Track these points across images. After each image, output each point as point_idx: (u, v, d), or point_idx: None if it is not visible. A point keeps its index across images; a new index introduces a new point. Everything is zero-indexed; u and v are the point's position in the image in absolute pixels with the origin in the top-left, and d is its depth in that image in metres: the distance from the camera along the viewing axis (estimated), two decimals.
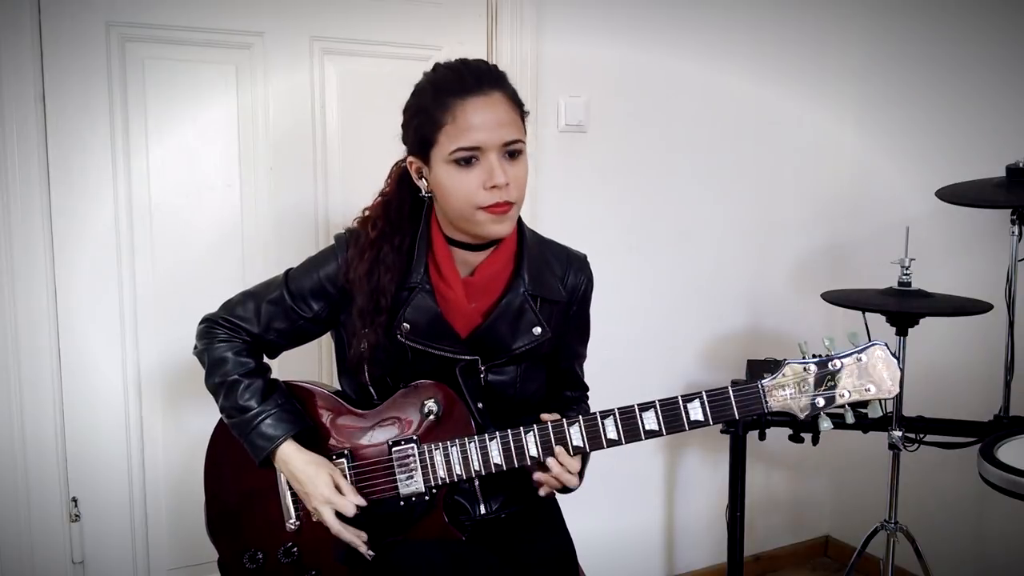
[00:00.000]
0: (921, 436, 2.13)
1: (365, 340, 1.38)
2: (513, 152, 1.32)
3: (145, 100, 1.85)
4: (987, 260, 2.27)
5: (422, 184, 1.38)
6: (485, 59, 1.42)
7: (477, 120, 1.28)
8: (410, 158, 1.38)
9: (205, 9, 1.86)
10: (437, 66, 1.37)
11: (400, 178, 1.44)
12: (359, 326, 1.39)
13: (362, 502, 1.36)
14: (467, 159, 1.29)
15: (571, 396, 1.59)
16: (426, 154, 1.33)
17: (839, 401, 1.27)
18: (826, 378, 1.27)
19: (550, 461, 1.34)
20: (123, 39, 1.82)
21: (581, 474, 1.41)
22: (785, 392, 1.28)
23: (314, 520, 1.40)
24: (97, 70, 1.79)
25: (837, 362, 1.27)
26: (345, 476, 1.39)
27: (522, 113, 1.36)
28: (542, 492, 1.37)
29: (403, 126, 1.39)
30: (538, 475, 1.36)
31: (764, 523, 2.76)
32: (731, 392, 1.28)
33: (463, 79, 1.31)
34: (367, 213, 1.45)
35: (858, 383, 1.26)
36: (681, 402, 1.30)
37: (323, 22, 1.97)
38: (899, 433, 2.09)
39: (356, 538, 1.36)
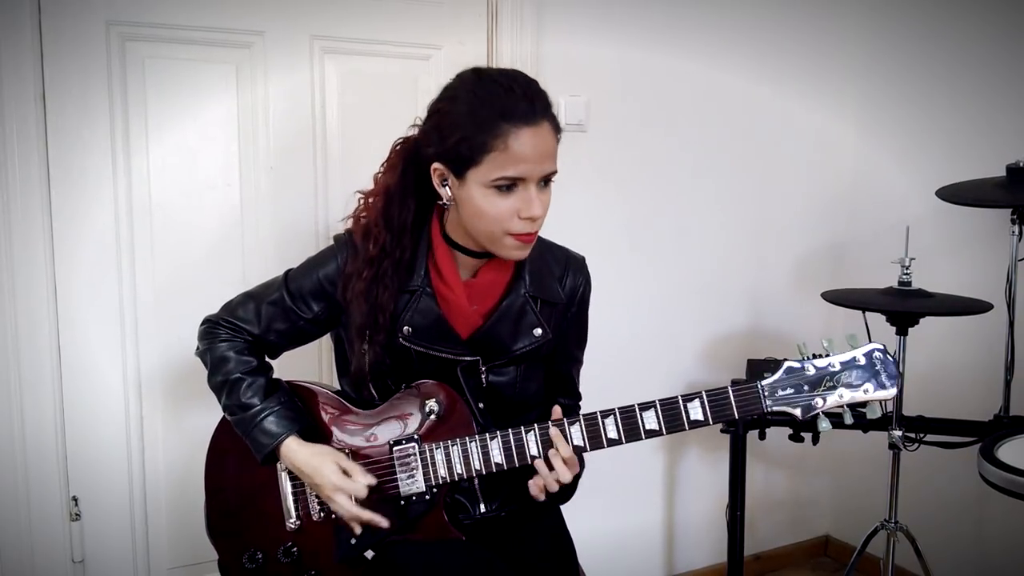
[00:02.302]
0: (921, 436, 2.13)
1: (365, 356, 1.38)
2: (547, 181, 1.31)
3: (145, 100, 1.85)
4: (987, 260, 2.27)
5: (444, 192, 1.33)
6: (526, 74, 1.34)
7: (529, 152, 1.25)
8: (436, 164, 1.32)
9: (205, 8, 1.86)
10: (482, 73, 1.31)
11: (404, 168, 1.38)
12: (356, 344, 1.39)
13: (372, 480, 1.36)
14: (507, 186, 1.27)
15: (564, 403, 1.56)
16: (461, 170, 1.28)
17: (837, 402, 1.28)
18: (824, 379, 1.28)
19: (552, 454, 1.33)
20: (123, 38, 1.81)
21: (575, 484, 1.40)
22: (784, 392, 1.28)
23: (315, 519, 1.41)
24: (97, 70, 1.79)
25: (835, 363, 1.28)
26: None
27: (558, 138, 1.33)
28: (535, 492, 1.35)
29: (434, 128, 1.31)
30: (537, 478, 1.34)
31: (764, 523, 2.76)
32: (731, 392, 1.29)
33: (517, 103, 1.25)
34: (365, 215, 1.40)
35: (856, 384, 1.27)
36: (681, 402, 1.30)
37: (323, 22, 1.97)
38: (899, 433, 2.09)
39: (376, 517, 1.35)
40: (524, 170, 1.26)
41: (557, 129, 1.32)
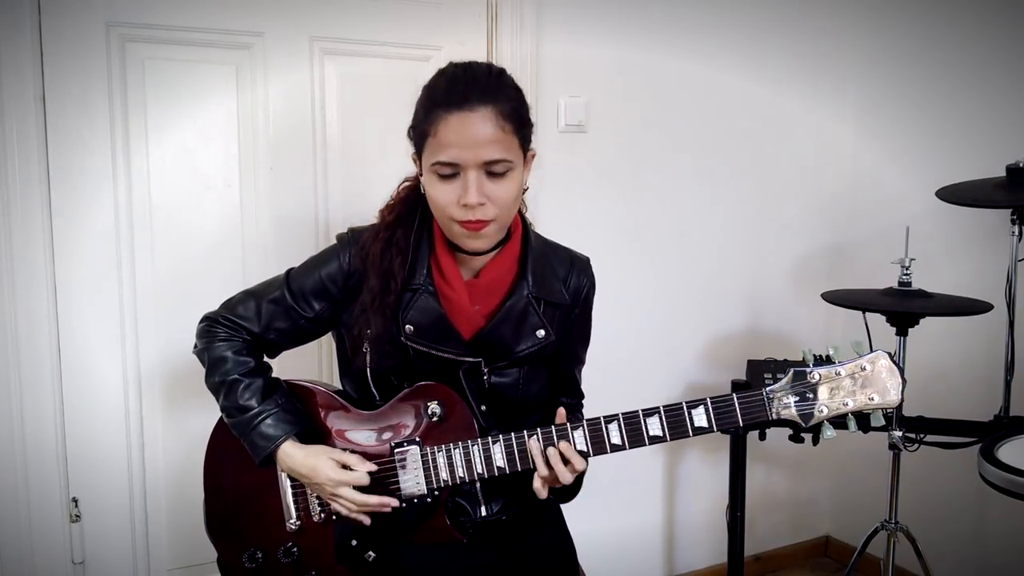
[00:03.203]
0: (921, 436, 2.13)
1: (371, 322, 1.38)
2: (496, 171, 1.29)
3: (145, 100, 1.85)
4: (987, 260, 2.27)
5: (422, 179, 1.37)
6: (490, 63, 1.37)
7: (454, 137, 1.25)
8: (412, 152, 1.38)
9: (205, 9, 1.85)
10: (447, 67, 1.34)
11: None
12: (368, 301, 1.38)
13: (373, 467, 1.36)
14: (447, 174, 1.28)
15: (566, 403, 1.57)
16: (418, 157, 1.35)
17: (842, 410, 1.27)
18: (830, 387, 1.27)
19: (550, 451, 1.32)
20: (123, 39, 1.81)
21: (579, 484, 1.40)
22: (789, 400, 1.27)
23: (315, 519, 1.40)
24: (97, 70, 1.79)
25: (841, 370, 1.27)
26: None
27: (518, 128, 1.31)
28: (537, 485, 1.34)
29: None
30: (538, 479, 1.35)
31: (764, 523, 2.76)
32: (736, 400, 1.28)
33: (452, 91, 1.27)
34: (398, 192, 1.45)
35: (862, 392, 1.26)
36: (685, 408, 1.29)
37: (323, 22, 1.97)
38: (899, 433, 2.09)
39: (386, 498, 1.35)
40: (453, 155, 1.26)
41: (511, 116, 1.28)
